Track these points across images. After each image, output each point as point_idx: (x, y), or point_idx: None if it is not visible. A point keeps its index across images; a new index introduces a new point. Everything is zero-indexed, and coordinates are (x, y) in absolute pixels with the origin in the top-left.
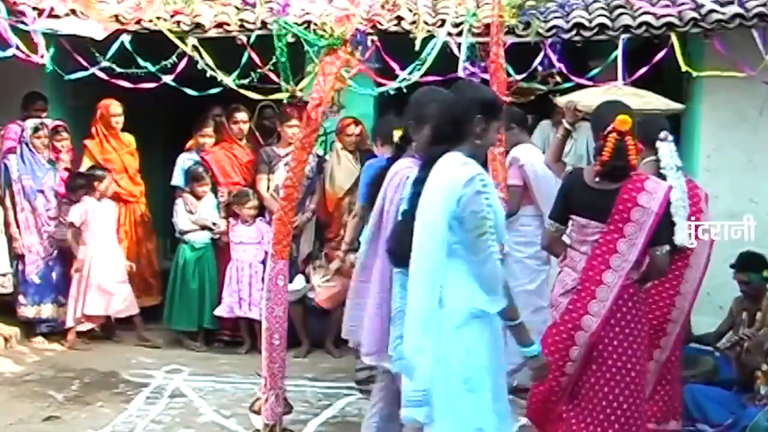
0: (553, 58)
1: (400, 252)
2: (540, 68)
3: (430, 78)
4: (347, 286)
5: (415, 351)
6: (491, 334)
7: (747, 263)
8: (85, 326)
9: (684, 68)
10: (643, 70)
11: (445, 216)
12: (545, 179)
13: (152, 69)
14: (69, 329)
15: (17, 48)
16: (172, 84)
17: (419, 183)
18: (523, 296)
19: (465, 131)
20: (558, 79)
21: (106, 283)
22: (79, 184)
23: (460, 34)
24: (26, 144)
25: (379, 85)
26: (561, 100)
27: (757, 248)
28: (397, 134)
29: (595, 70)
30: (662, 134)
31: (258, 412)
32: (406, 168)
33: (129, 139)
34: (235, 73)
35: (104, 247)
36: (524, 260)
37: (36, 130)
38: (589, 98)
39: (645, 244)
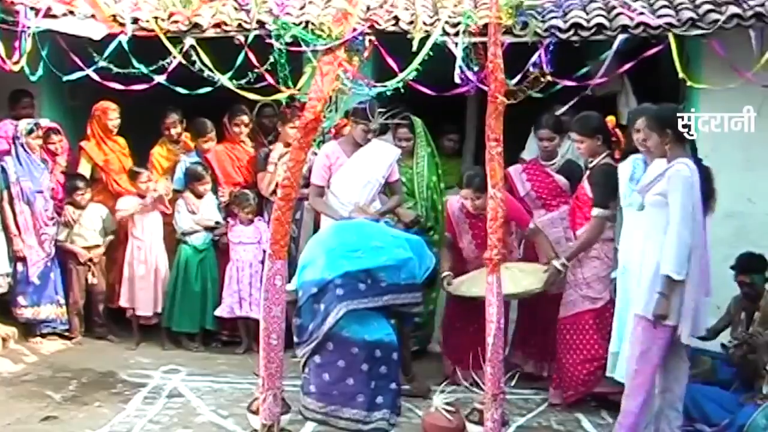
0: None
1: None
2: (531, 69)
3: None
4: None
5: None
6: None
7: (749, 265)
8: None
9: (681, 75)
10: (630, 64)
11: None
12: None
13: (145, 70)
14: (69, 329)
15: None
16: (165, 83)
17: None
18: None
19: None
20: (549, 79)
21: None
22: (75, 186)
23: (457, 34)
24: (21, 145)
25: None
26: (450, 289)
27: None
28: None
29: (584, 70)
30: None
31: (256, 412)
32: None
33: (122, 141)
34: (230, 73)
35: None
36: None
37: (31, 131)
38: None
39: None
